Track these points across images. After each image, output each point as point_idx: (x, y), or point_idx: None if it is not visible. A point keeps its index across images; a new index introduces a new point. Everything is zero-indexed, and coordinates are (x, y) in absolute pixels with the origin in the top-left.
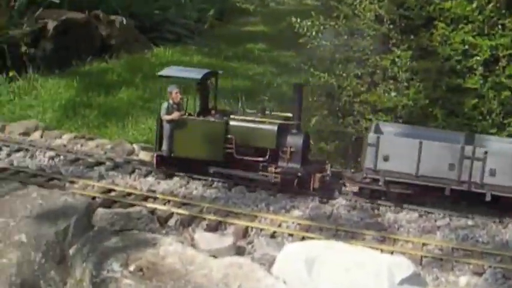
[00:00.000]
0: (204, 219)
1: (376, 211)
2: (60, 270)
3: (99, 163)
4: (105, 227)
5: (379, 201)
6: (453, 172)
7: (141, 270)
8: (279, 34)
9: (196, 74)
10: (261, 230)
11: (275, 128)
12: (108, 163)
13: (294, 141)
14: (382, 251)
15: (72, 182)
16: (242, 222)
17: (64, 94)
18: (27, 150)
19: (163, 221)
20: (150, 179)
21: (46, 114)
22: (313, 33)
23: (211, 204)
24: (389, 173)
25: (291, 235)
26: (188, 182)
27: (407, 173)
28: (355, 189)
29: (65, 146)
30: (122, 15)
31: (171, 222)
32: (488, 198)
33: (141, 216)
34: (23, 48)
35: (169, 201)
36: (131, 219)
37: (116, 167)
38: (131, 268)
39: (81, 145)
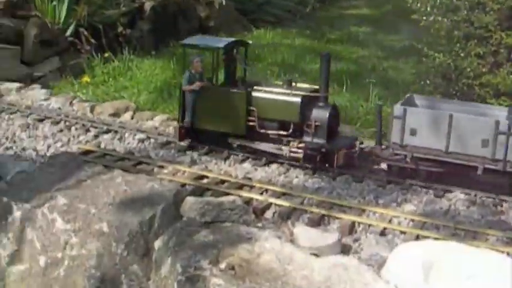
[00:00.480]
0: (306, 211)
1: (498, 207)
2: (144, 264)
3: (191, 147)
4: (195, 218)
5: (408, 181)
6: (486, 149)
7: (232, 268)
8: (383, 17)
9: (220, 43)
10: (369, 226)
11: (298, 100)
12: (200, 148)
13: (319, 114)
14: (508, 254)
15: (161, 167)
16: (348, 217)
17: (160, 76)
18: (116, 132)
19: (259, 212)
20: (247, 165)
21: (140, 96)
22: (428, 8)
23: (314, 195)
24: (416, 148)
25: (403, 233)
26: (288, 170)
27: (437, 148)
28: (385, 166)
29: (156, 128)
30: None
31: (268, 214)
32: None
33: (235, 206)
34: (119, 29)
35: (266, 190)
36: (224, 210)
37: (210, 151)
38: (222, 266)
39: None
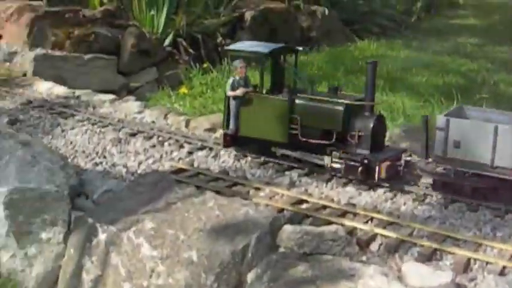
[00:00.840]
0: (415, 244)
1: None
2: None
3: (291, 167)
4: (292, 249)
5: (452, 196)
6: None
7: None
8: (491, 27)
9: (265, 48)
10: (487, 263)
11: (341, 108)
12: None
13: (364, 124)
14: None
15: (257, 189)
16: (463, 252)
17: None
18: (211, 148)
19: (364, 244)
20: (350, 188)
21: None
22: None
23: (424, 225)
24: (460, 162)
25: None
26: (395, 195)
27: (482, 162)
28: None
29: None
30: (324, 5)
31: (374, 246)
32: None
33: (337, 237)
34: (218, 39)
35: (371, 218)
36: (324, 241)
37: (310, 172)
38: None
39: None
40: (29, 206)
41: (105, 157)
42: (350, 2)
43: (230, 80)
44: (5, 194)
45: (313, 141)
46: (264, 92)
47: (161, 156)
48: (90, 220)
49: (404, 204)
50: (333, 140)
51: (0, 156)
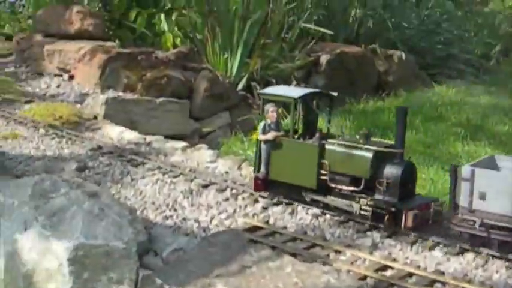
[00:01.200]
0: None
1: None
2: None
3: (373, 227)
4: None
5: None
6: None
7: None
8: None
9: (295, 93)
10: None
11: (370, 155)
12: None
13: (392, 171)
14: None
15: (337, 252)
16: None
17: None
18: (288, 204)
19: None
20: (437, 253)
21: None
22: None
23: None
24: (486, 214)
25: None
26: (486, 261)
27: (508, 215)
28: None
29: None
30: (401, 49)
31: None
32: None
33: None
34: (293, 84)
35: None
36: None
37: (393, 234)
38: None
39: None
40: (94, 263)
41: (175, 210)
42: (427, 46)
43: (261, 124)
44: (70, 250)
45: (342, 187)
46: (296, 137)
47: (234, 211)
48: (158, 281)
49: (497, 272)
50: (361, 187)
51: (67, 208)
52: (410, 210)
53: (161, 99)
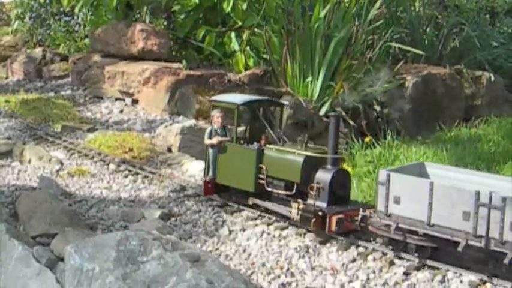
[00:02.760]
0: None
1: None
2: None
3: None
4: None
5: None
6: (468, 223)
7: None
8: None
9: (238, 100)
10: None
11: (301, 160)
12: None
13: (322, 177)
14: None
15: None
16: None
17: None
18: (433, 268)
19: None
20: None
21: None
22: None
23: None
24: (401, 218)
25: None
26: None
27: (420, 220)
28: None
29: None
30: (488, 70)
31: None
32: (506, 260)
33: None
34: (378, 108)
35: None
36: None
37: None
38: None
39: None
40: None
41: (293, 275)
42: None
43: (208, 129)
44: None
45: (277, 191)
46: (242, 142)
47: (368, 278)
48: None
49: None
50: (293, 191)
51: (164, 278)
52: (335, 215)
53: (241, 128)
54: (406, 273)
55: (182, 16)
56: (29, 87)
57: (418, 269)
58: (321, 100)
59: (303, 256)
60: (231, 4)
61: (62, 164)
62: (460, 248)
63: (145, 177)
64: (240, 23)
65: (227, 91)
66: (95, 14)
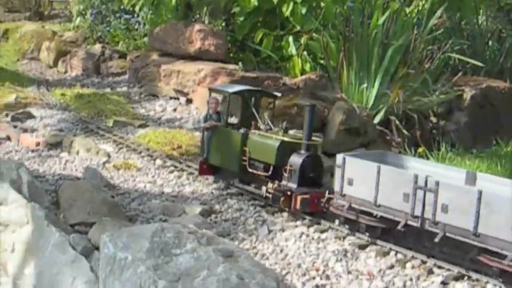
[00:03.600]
0: None
1: None
2: None
3: None
4: None
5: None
6: (407, 204)
7: None
8: None
9: (231, 88)
10: None
11: (276, 144)
12: None
13: (295, 160)
14: None
15: None
16: None
17: None
18: (475, 280)
19: None
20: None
21: None
22: None
23: None
24: (353, 198)
25: None
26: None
27: (368, 200)
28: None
29: None
30: None
31: None
32: (437, 238)
33: None
34: (433, 119)
35: None
36: None
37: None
38: None
39: None
40: None
41: (328, 278)
42: None
43: (204, 114)
44: None
45: (257, 172)
46: (233, 127)
47: (405, 285)
48: None
49: None
50: (270, 172)
51: (196, 271)
52: (301, 195)
53: (292, 131)
54: (444, 283)
55: (241, 18)
56: (86, 82)
57: (456, 279)
58: (376, 108)
59: (340, 259)
60: (290, 8)
61: (109, 156)
62: (399, 227)
63: (190, 173)
64: (298, 27)
65: (283, 95)
66: (155, 13)
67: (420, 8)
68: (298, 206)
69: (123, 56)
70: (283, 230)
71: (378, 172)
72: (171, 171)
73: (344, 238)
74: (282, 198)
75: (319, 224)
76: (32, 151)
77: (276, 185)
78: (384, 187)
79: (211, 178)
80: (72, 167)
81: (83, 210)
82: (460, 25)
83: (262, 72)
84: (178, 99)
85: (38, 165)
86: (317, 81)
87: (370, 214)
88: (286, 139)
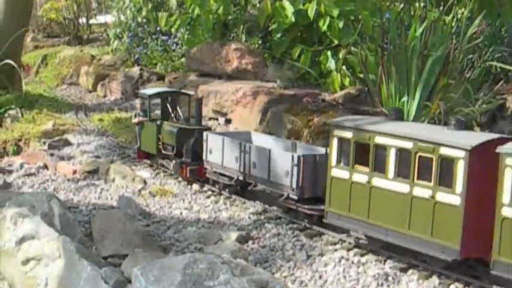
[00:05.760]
0: None
1: None
2: None
3: None
4: None
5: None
6: (237, 164)
7: None
8: None
9: (150, 92)
10: None
11: (175, 130)
12: None
13: (188, 142)
14: None
15: None
16: None
17: None
18: None
19: None
20: None
21: None
22: None
23: None
24: (212, 164)
25: None
26: None
27: (219, 163)
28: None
29: None
30: None
31: None
32: (250, 187)
33: None
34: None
35: None
36: None
37: None
38: None
39: None
40: None
41: None
42: None
43: (134, 112)
44: None
45: (166, 152)
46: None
47: None
48: None
49: None
50: (174, 152)
51: None
52: (189, 166)
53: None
54: None
55: (278, 35)
56: (125, 106)
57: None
58: (417, 120)
59: (382, 284)
60: (327, 23)
61: (145, 183)
62: (233, 182)
63: (227, 198)
64: (336, 42)
65: (322, 112)
66: (192, 33)
67: (459, 16)
68: (188, 175)
69: (161, 77)
70: (322, 254)
71: (223, 142)
72: (208, 196)
73: (385, 261)
74: (179, 170)
75: (358, 247)
76: (68, 180)
77: (177, 161)
78: (226, 153)
79: (248, 202)
80: (107, 195)
81: (115, 241)
82: (500, 32)
83: (301, 89)
84: (217, 119)
85: (73, 194)
86: (357, 96)
87: (225, 175)
88: (183, 126)
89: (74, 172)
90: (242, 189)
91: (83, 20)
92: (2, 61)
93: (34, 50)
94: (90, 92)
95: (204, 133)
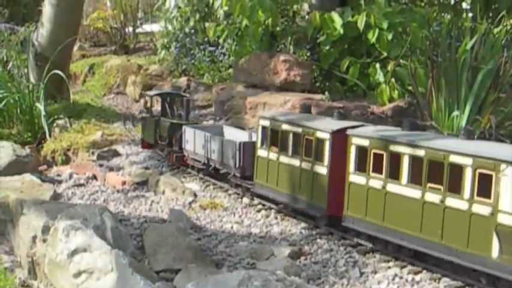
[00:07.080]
0: None
1: None
2: None
3: None
4: None
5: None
6: (204, 150)
7: None
8: None
9: (152, 93)
10: None
11: (167, 124)
12: None
13: (177, 133)
14: None
15: None
16: None
17: None
18: None
19: None
20: None
21: None
22: None
23: None
24: (188, 151)
25: None
26: None
27: (192, 151)
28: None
29: None
30: None
31: None
32: (210, 168)
33: None
34: None
35: None
36: None
37: None
38: None
39: None
40: None
41: None
42: None
43: (139, 109)
44: None
45: (160, 142)
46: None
47: None
48: None
49: None
50: (166, 142)
51: None
52: (175, 154)
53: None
54: None
55: (326, 47)
56: None
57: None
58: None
59: None
60: (376, 35)
61: (195, 196)
62: (200, 166)
63: (279, 212)
64: (385, 54)
65: (370, 123)
66: (240, 44)
67: (508, 27)
68: (174, 160)
69: (208, 88)
70: (375, 271)
71: (194, 134)
72: (259, 210)
73: (439, 279)
74: (169, 157)
75: (413, 264)
76: (118, 191)
77: (169, 149)
78: (196, 142)
79: (299, 217)
80: (157, 207)
81: (168, 255)
82: None
83: (350, 102)
84: None
85: (123, 206)
86: (406, 109)
87: (196, 160)
88: (174, 121)
89: (124, 183)
90: (216, 171)
91: (129, 29)
92: (51, 71)
93: (81, 59)
94: (137, 101)
95: (183, 127)
